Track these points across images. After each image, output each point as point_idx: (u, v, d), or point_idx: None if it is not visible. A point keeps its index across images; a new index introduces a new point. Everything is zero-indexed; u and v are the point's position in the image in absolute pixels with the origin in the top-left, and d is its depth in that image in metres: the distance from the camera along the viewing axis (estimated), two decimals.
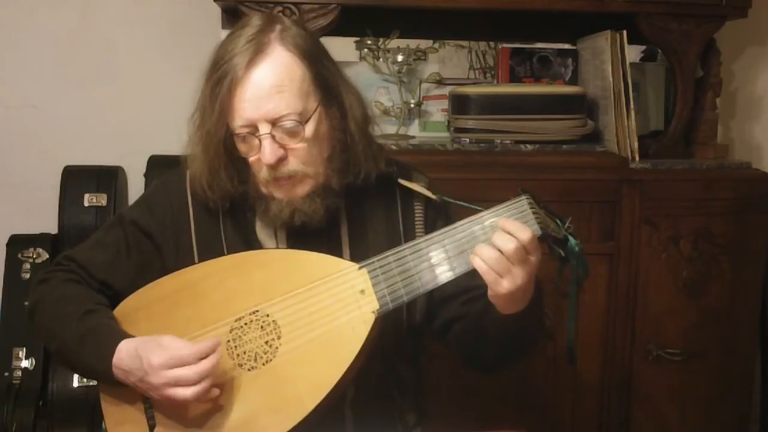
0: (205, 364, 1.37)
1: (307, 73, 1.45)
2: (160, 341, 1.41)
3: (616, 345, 2.32)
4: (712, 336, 2.35)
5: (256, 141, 1.44)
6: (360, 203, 1.57)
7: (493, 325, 1.44)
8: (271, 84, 1.42)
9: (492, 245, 1.34)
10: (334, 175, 1.49)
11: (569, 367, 2.28)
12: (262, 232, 1.55)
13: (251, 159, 1.47)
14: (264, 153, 1.43)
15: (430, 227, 1.58)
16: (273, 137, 1.43)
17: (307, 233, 1.50)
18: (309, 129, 1.45)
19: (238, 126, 1.44)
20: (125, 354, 1.42)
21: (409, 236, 1.57)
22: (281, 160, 1.44)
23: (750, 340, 2.42)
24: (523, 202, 1.39)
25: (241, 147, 1.47)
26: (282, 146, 1.44)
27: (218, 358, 1.39)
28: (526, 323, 1.42)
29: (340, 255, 1.52)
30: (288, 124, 1.42)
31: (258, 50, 1.42)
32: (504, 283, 1.33)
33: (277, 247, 1.54)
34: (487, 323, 1.45)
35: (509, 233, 1.34)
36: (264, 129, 1.42)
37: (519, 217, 1.38)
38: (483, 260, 1.33)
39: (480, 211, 1.42)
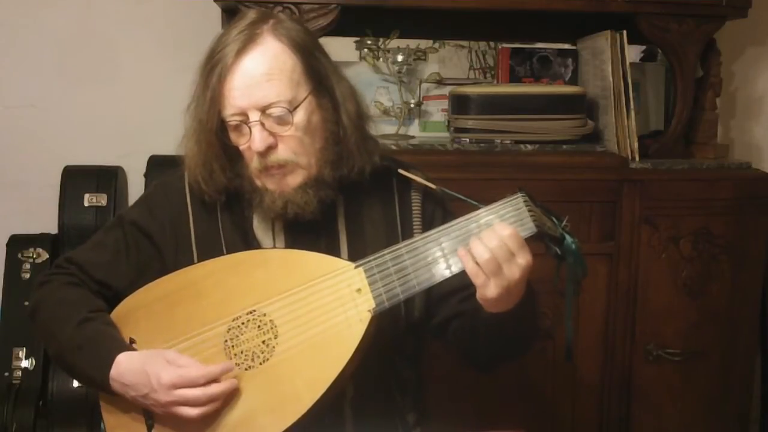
0: (215, 389, 1.38)
1: (298, 63, 1.46)
2: (165, 356, 1.41)
3: (616, 345, 2.31)
4: (711, 336, 2.35)
5: (247, 129, 1.45)
6: (357, 197, 1.57)
7: (483, 324, 1.45)
8: (261, 72, 1.43)
9: (480, 242, 1.33)
10: (326, 166, 1.50)
11: (569, 367, 2.28)
12: (259, 229, 1.55)
13: (242, 147, 1.48)
14: (253, 140, 1.44)
15: (428, 218, 1.59)
16: (262, 125, 1.44)
17: (305, 228, 1.51)
18: (298, 117, 1.45)
19: (229, 114, 1.45)
20: (127, 368, 1.41)
21: (407, 228, 1.57)
22: (271, 148, 1.45)
23: (750, 339, 2.42)
24: (518, 200, 1.40)
25: (233, 136, 1.48)
26: (272, 134, 1.45)
27: (231, 385, 1.40)
28: (514, 322, 1.42)
29: (337, 249, 1.53)
30: (277, 111, 1.43)
31: (249, 40, 1.44)
32: (491, 285, 1.33)
33: (275, 243, 1.54)
34: (478, 322, 1.46)
35: (494, 231, 1.34)
36: (254, 116, 1.44)
37: (515, 215, 1.38)
38: (473, 258, 1.33)
39: (476, 205, 1.42)
